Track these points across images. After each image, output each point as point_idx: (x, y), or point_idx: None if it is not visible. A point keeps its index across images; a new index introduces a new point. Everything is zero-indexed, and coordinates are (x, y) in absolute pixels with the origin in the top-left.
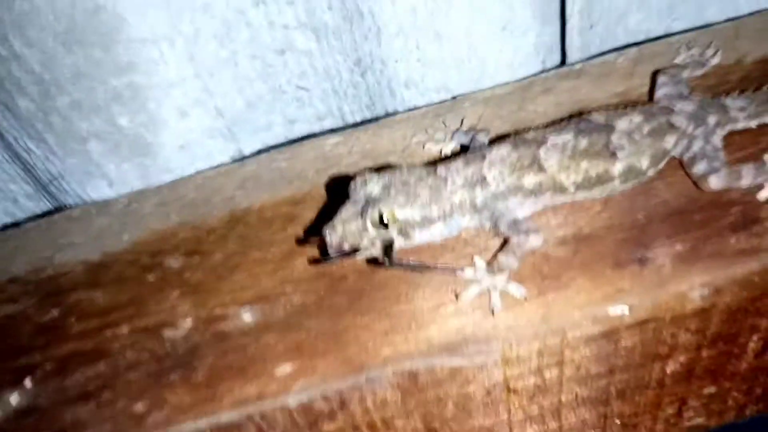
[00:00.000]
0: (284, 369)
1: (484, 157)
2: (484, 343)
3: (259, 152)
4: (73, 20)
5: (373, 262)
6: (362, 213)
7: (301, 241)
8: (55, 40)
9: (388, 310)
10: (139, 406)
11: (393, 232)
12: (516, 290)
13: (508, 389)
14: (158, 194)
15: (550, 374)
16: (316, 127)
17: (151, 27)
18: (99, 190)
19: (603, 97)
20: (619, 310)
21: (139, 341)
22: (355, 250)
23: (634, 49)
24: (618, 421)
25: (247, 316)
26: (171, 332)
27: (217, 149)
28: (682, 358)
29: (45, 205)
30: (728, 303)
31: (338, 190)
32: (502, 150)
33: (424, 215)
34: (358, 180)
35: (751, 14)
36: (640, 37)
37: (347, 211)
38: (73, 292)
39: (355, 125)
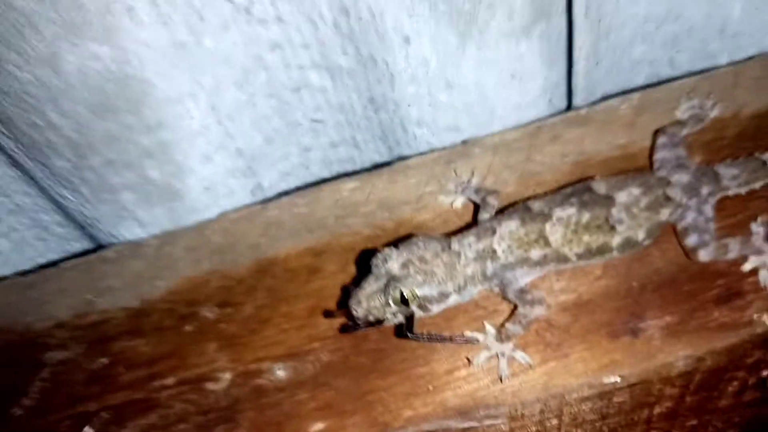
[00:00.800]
0: (317, 427)
1: (494, 232)
2: (493, 408)
3: (279, 191)
4: (104, 91)
5: (397, 330)
6: (385, 291)
7: (329, 314)
8: (87, 110)
9: (408, 372)
10: None
11: (413, 307)
12: (522, 358)
13: None
14: (186, 237)
15: (550, 424)
16: (330, 154)
17: (176, 86)
18: (131, 231)
19: (606, 149)
20: (612, 379)
21: (184, 393)
22: (379, 321)
23: (637, 95)
24: None
25: (281, 373)
26: (213, 385)
27: (239, 186)
28: (667, 404)
29: (77, 233)
30: (710, 366)
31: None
32: (511, 225)
33: (440, 291)
34: (380, 256)
35: (751, 58)
36: (645, 67)
37: (370, 287)
38: (117, 340)
39: (368, 155)
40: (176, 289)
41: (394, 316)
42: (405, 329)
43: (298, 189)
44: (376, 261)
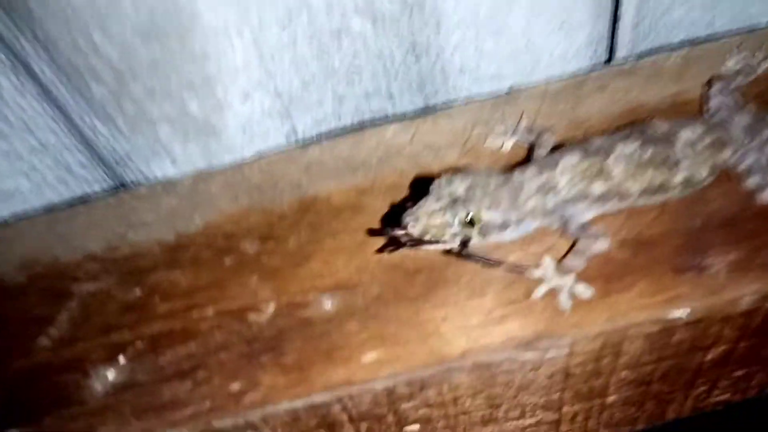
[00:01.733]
0: (370, 357)
1: (555, 165)
2: (555, 339)
3: (312, 133)
4: (153, 15)
5: (447, 252)
6: (451, 210)
7: (375, 232)
8: (135, 34)
9: (463, 303)
10: (235, 386)
11: (474, 231)
12: (583, 291)
13: (567, 374)
14: (223, 175)
15: (606, 361)
16: (363, 104)
17: (223, 19)
18: (162, 168)
19: (655, 99)
20: (678, 313)
21: (225, 323)
22: (431, 242)
23: (683, 50)
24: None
25: (328, 304)
26: (256, 316)
27: (274, 128)
28: (722, 348)
29: (100, 175)
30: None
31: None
32: (573, 158)
33: (504, 219)
34: (443, 179)
35: None
36: (684, 29)
37: (430, 206)
38: (152, 272)
39: (402, 107)
40: (214, 224)
41: (452, 238)
42: (461, 248)
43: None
44: (439, 182)
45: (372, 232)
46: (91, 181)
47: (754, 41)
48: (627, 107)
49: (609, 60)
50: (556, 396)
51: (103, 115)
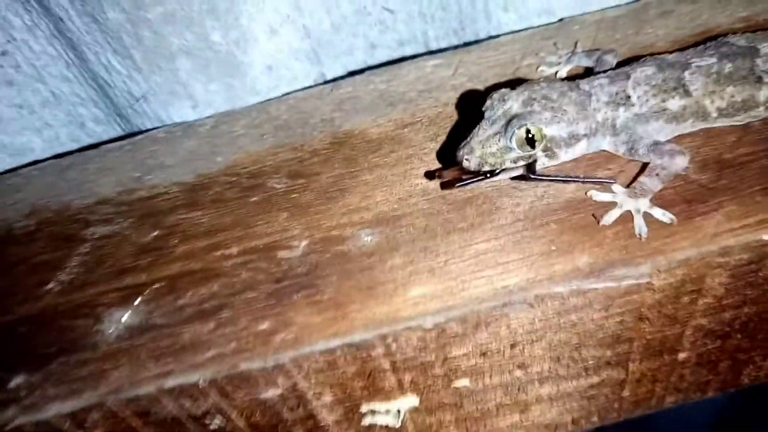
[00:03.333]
0: (417, 291)
1: (629, 76)
2: (633, 268)
3: (342, 78)
4: None
5: (514, 178)
6: (506, 131)
7: (431, 175)
8: None
9: (521, 233)
10: (265, 325)
11: (538, 151)
12: (662, 215)
13: (640, 318)
14: (247, 116)
15: (684, 302)
16: (396, 54)
17: None
18: (181, 112)
19: (727, 22)
20: None
21: (251, 261)
22: (492, 173)
23: None
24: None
25: (368, 239)
26: (286, 253)
27: (302, 72)
28: None
29: (115, 132)
30: None
31: (466, 108)
32: (648, 70)
33: (571, 132)
34: (495, 96)
35: None
36: None
37: (485, 131)
38: (171, 213)
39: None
40: (238, 163)
41: (514, 164)
42: (528, 172)
43: None
44: (491, 102)
45: (428, 175)
46: (107, 140)
47: None
48: (697, 31)
49: None
50: (624, 348)
51: (119, 48)
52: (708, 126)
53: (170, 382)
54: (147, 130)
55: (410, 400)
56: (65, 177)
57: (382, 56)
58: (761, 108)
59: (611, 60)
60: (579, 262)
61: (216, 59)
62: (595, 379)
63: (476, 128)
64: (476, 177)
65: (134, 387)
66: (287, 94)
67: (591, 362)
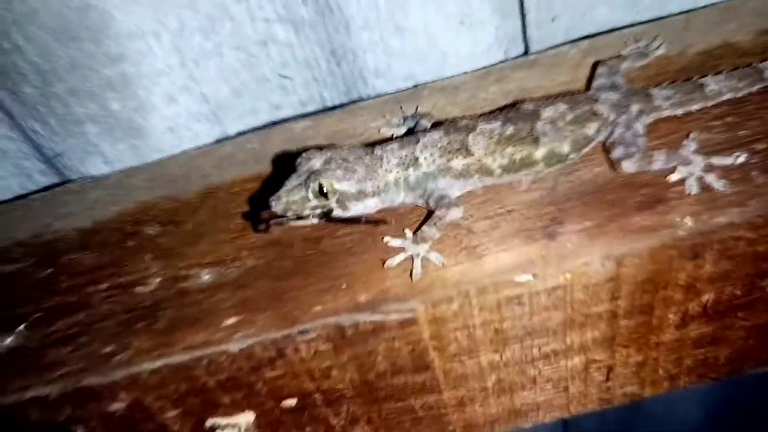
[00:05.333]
0: (230, 321)
1: (418, 141)
2: (401, 302)
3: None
4: (65, 18)
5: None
6: (305, 184)
7: (248, 215)
8: (50, 35)
9: (325, 274)
10: (109, 349)
11: (332, 202)
12: (436, 258)
13: (433, 348)
14: (146, 171)
15: (477, 332)
16: (300, 112)
17: (137, 22)
18: (97, 167)
19: (549, 86)
20: (525, 278)
21: (114, 296)
22: (295, 218)
23: (587, 41)
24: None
25: (206, 277)
26: (141, 289)
27: (204, 132)
28: (600, 326)
29: (54, 182)
30: (633, 274)
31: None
32: (435, 135)
33: (359, 189)
34: (303, 156)
35: (705, 6)
36: (607, 29)
37: (291, 183)
38: (66, 254)
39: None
40: (127, 212)
41: (312, 212)
42: (324, 220)
43: None
44: (299, 160)
45: (245, 215)
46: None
47: (656, 30)
48: (520, 95)
49: None
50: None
51: (38, 116)
52: (496, 181)
53: (28, 394)
54: (69, 181)
55: (247, 416)
56: None
57: (287, 115)
58: (540, 164)
59: (426, 124)
60: (359, 298)
61: (118, 125)
62: None
63: (287, 179)
64: (282, 221)
65: (2, 397)
66: (187, 151)
67: None
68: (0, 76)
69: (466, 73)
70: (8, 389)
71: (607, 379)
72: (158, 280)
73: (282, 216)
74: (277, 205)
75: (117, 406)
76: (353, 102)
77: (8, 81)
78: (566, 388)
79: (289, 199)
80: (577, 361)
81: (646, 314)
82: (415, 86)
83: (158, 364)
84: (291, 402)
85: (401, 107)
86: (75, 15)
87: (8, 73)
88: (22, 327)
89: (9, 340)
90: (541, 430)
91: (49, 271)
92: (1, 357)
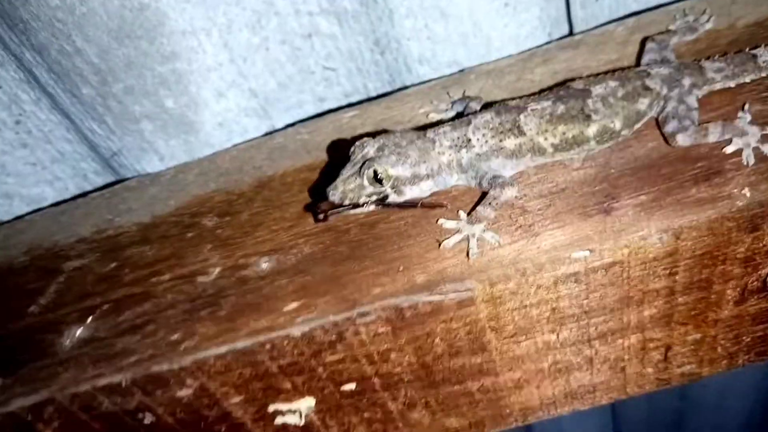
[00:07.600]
0: (291, 306)
1: (469, 122)
2: (458, 282)
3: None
4: (122, 18)
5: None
6: (360, 171)
7: (307, 206)
8: (108, 35)
9: (382, 257)
10: (176, 336)
11: (387, 187)
12: (491, 238)
13: (490, 328)
14: (199, 166)
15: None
16: (344, 104)
17: (189, 20)
18: (152, 164)
19: (596, 66)
20: (581, 254)
21: (177, 286)
22: (352, 206)
23: (632, 18)
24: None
25: (265, 265)
26: (203, 278)
27: (252, 126)
28: (657, 303)
29: (110, 181)
30: (691, 248)
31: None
32: (486, 116)
33: (413, 173)
34: (357, 144)
35: None
36: (652, 6)
37: (347, 172)
38: (128, 248)
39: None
40: (184, 205)
41: (369, 199)
42: (381, 206)
43: None
44: (353, 149)
45: (306, 208)
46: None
47: (703, 5)
48: (567, 75)
49: None
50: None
51: (96, 116)
52: (548, 160)
53: (101, 382)
54: (127, 179)
55: (308, 401)
56: (58, 220)
57: (331, 107)
58: (592, 142)
59: (475, 106)
60: (417, 279)
61: (172, 121)
62: None
63: (342, 169)
64: (340, 210)
65: (75, 386)
66: (237, 145)
67: None
68: (62, 79)
69: (510, 56)
70: (82, 378)
71: (665, 358)
72: (218, 269)
73: (340, 205)
74: (335, 195)
75: (185, 392)
76: (397, 91)
77: (69, 83)
78: (623, 369)
79: (346, 188)
80: (634, 340)
81: (705, 290)
82: (461, 71)
83: (223, 349)
84: (350, 386)
85: (448, 92)
86: (132, 15)
87: (69, 75)
88: (91, 318)
89: (80, 331)
90: (590, 423)
91: (113, 264)
92: (73, 347)
